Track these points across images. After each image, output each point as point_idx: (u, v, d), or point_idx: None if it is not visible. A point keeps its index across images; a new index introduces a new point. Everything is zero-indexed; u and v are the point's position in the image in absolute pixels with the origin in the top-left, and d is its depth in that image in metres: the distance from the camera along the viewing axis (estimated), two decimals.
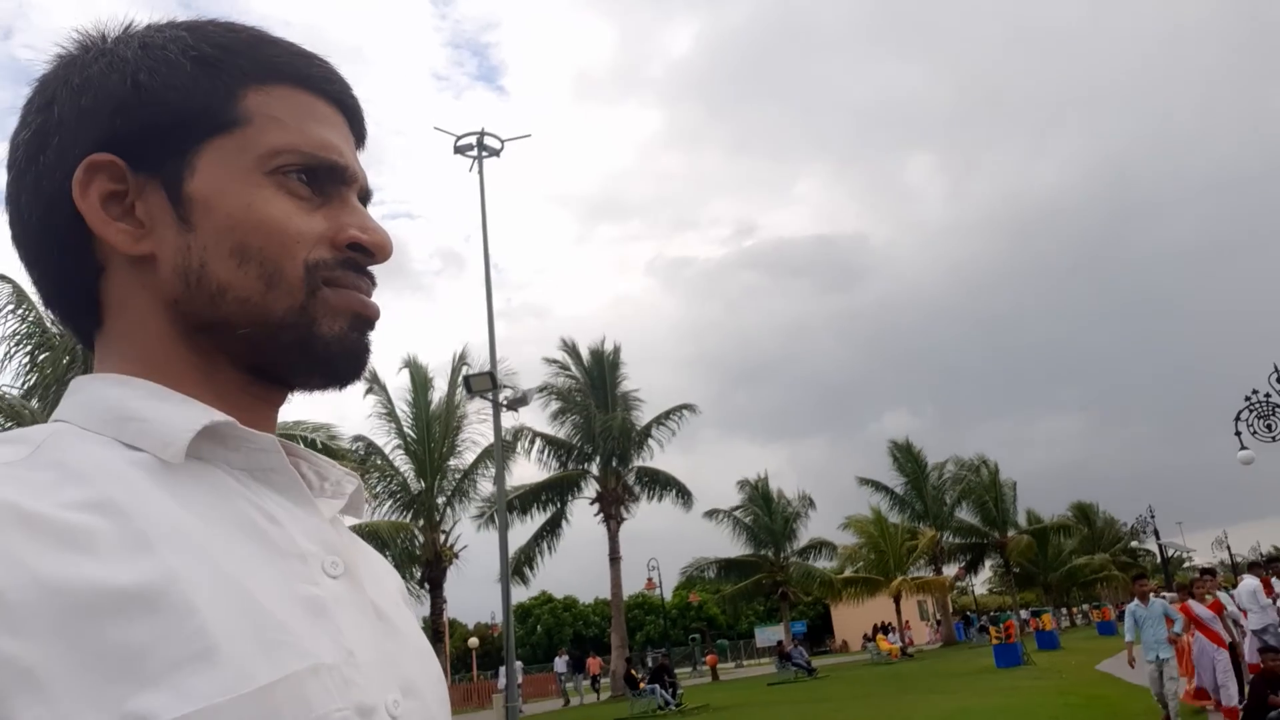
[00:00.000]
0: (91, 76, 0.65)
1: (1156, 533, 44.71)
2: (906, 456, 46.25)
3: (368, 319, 0.69)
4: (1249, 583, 13.00)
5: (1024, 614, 44.62)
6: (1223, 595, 13.28)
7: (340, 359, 0.68)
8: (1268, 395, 14.40)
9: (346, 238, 0.68)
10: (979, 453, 53.32)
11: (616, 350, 31.91)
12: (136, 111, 0.64)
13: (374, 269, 0.71)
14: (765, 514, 41.18)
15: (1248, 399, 14.66)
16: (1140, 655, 10.54)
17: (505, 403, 17.47)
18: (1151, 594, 10.85)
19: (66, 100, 0.65)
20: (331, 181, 0.68)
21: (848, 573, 44.32)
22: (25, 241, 0.68)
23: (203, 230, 0.64)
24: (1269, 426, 14.36)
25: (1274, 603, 12.90)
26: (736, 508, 41.48)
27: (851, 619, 56.30)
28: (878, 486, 45.75)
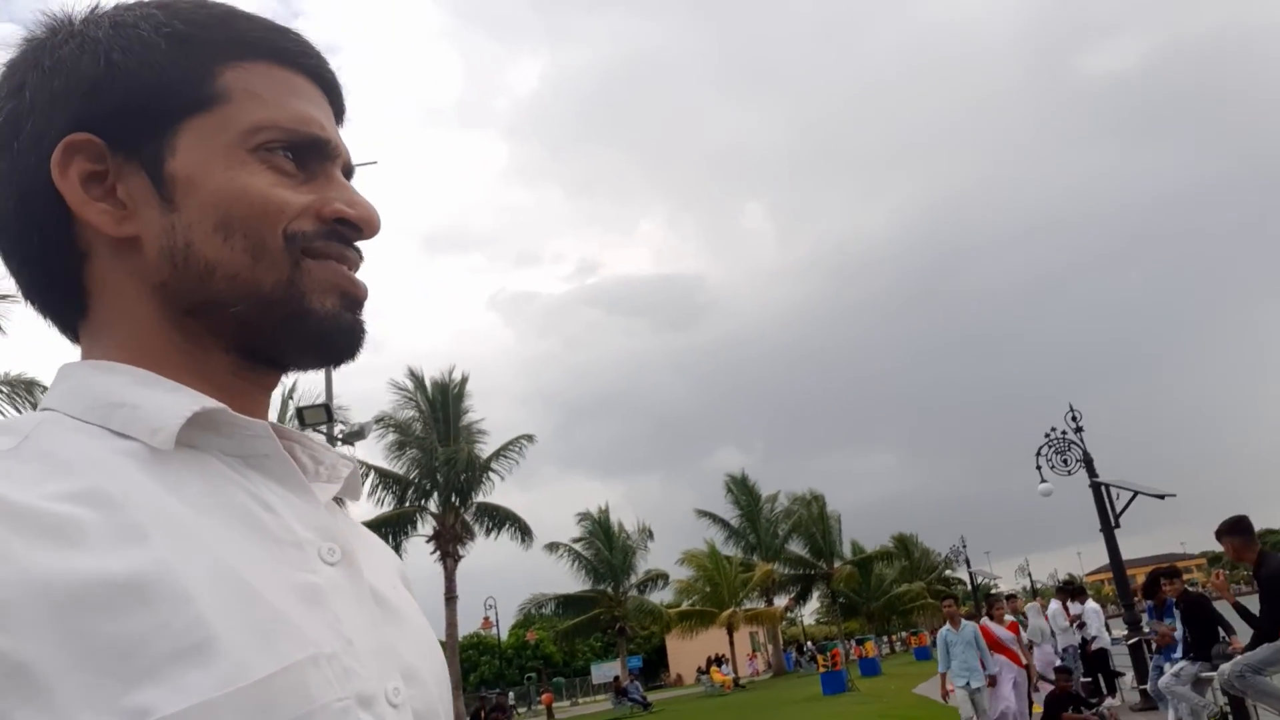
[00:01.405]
0: (63, 58, 0.64)
1: (968, 561, 47.66)
2: (741, 490, 47.53)
3: (356, 297, 0.68)
4: (1055, 606, 14.21)
5: (849, 642, 46.47)
6: (1036, 616, 14.38)
7: (335, 336, 0.67)
8: (1064, 432, 15.82)
9: (332, 211, 0.66)
10: (810, 487, 55.44)
11: (463, 381, 31.27)
12: (111, 91, 0.63)
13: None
14: (606, 547, 41.24)
15: (1047, 435, 16.02)
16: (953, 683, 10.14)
17: (341, 436, 16.84)
18: (963, 619, 10.56)
19: (38, 84, 0.63)
20: (315, 157, 0.67)
21: (684, 605, 44.92)
22: (3, 230, 0.65)
23: (187, 209, 0.63)
24: (1065, 461, 15.73)
25: (1071, 625, 14.07)
26: (578, 540, 41.37)
27: (686, 652, 56.92)
28: (714, 519, 46.76)
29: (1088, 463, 15.35)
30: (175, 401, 0.60)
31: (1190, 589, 8.90)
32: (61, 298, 0.66)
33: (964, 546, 49.41)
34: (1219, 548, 6.40)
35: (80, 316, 0.66)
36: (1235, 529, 6.22)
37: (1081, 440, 15.63)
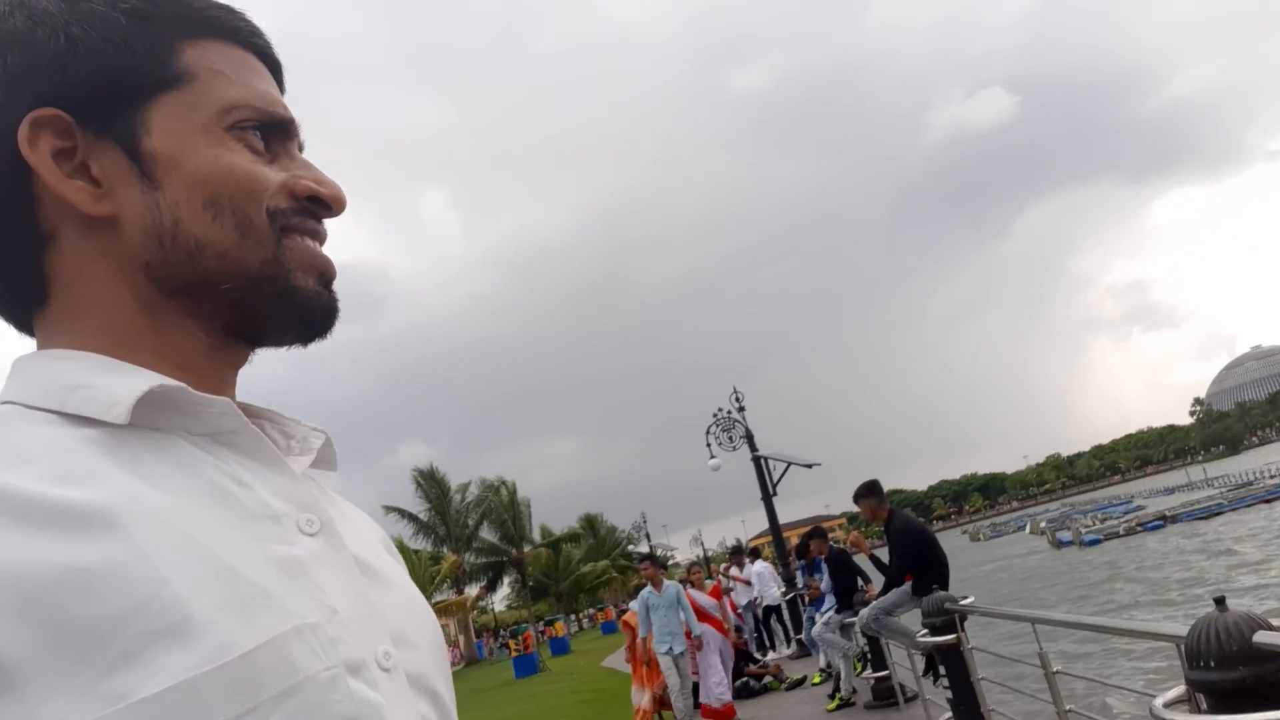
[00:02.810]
0: (12, 30, 0.61)
1: (648, 535, 50.64)
2: (430, 482, 46.79)
3: (330, 275, 0.68)
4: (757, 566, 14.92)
5: (539, 624, 47.46)
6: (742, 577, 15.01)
7: (317, 313, 0.67)
8: (729, 412, 17.29)
9: (303, 189, 0.66)
10: (499, 474, 55.88)
11: None
12: (74, 67, 0.60)
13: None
14: None
15: (715, 415, 17.45)
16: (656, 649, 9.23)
17: None
18: (664, 578, 9.45)
19: None
20: (278, 136, 0.67)
21: None
22: None
23: (171, 187, 0.62)
24: (730, 438, 17.22)
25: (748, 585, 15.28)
26: None
27: None
28: (403, 514, 45.62)
29: (749, 438, 16.87)
30: (132, 380, 0.58)
31: (834, 546, 10.05)
32: (18, 288, 0.64)
33: (644, 522, 52.37)
34: (857, 508, 7.30)
35: (38, 306, 0.64)
36: (870, 491, 7.13)
37: (744, 418, 17.16)
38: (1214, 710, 2.67)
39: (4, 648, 0.45)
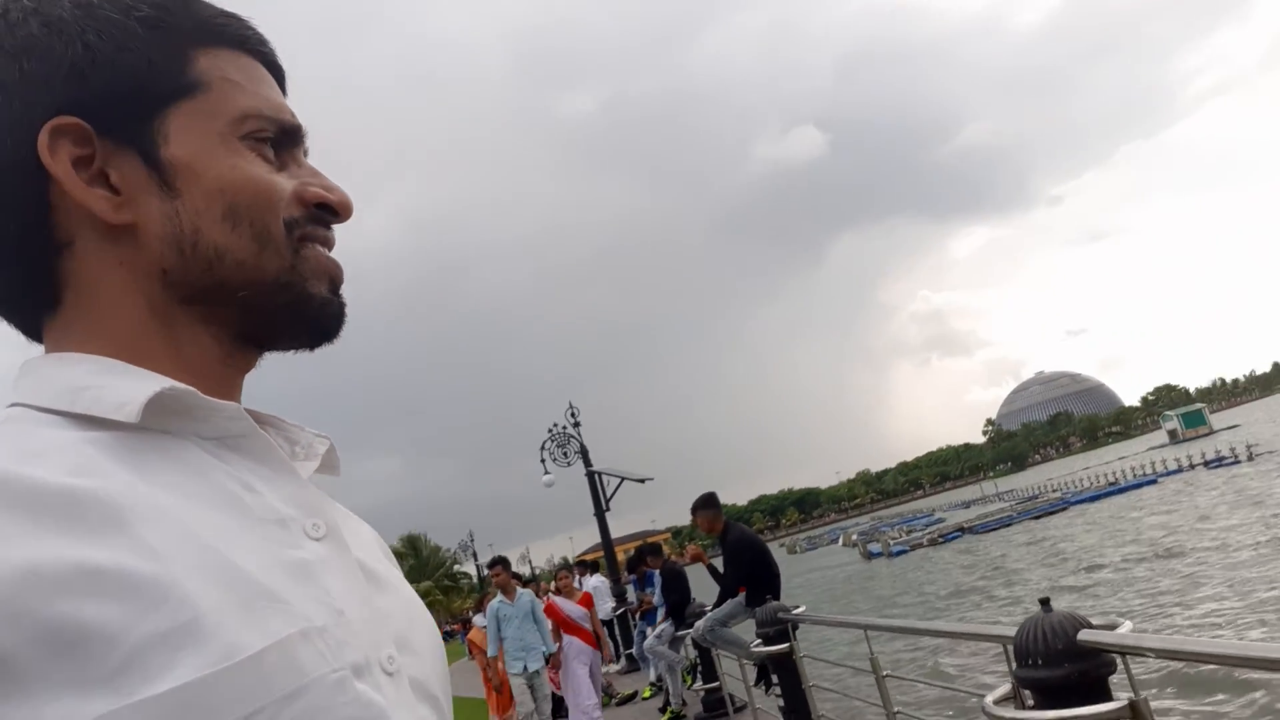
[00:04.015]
0: (29, 38, 0.61)
1: (475, 554, 49.64)
2: None
3: (340, 281, 0.69)
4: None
5: None
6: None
7: (329, 319, 0.68)
8: (564, 427, 17.22)
9: (314, 196, 0.67)
10: None
11: None
12: (93, 75, 0.61)
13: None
14: None
15: (550, 430, 17.33)
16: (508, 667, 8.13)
17: None
18: (518, 586, 8.42)
19: (3, 66, 0.61)
20: (286, 143, 0.68)
21: None
22: None
23: (190, 196, 0.62)
24: (565, 453, 17.15)
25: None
26: None
27: None
28: None
29: (584, 454, 16.86)
30: (142, 383, 0.59)
31: (668, 560, 10.16)
32: (29, 294, 0.64)
33: (471, 540, 51.36)
34: (683, 523, 7.43)
35: (49, 311, 0.64)
36: (707, 504, 7.23)
37: (579, 434, 17.14)
38: (1040, 706, 2.84)
39: (11, 647, 0.45)
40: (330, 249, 0.70)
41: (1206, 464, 43.21)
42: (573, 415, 17.26)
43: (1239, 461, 39.63)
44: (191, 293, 0.63)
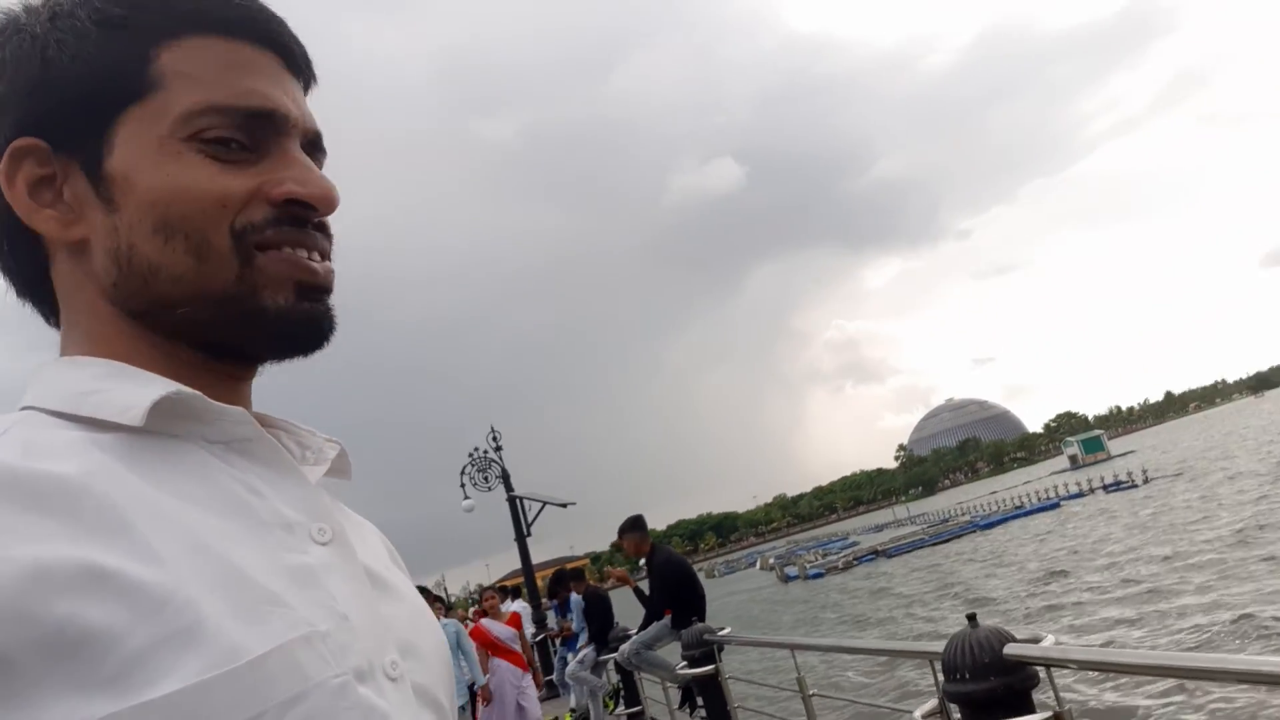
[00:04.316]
0: (6, 60, 0.61)
1: None
2: None
3: (315, 285, 0.64)
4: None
5: None
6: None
7: (296, 327, 0.63)
8: (485, 452, 17.00)
9: (281, 192, 0.62)
10: None
11: None
12: (46, 90, 0.60)
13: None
14: None
15: (470, 455, 17.09)
16: None
17: None
18: (441, 615, 8.08)
19: None
20: (265, 132, 0.63)
21: None
22: None
23: (126, 209, 0.60)
24: (486, 478, 16.92)
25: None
26: None
27: None
28: None
29: (505, 478, 16.68)
30: (148, 387, 0.58)
31: (590, 585, 10.10)
32: (39, 300, 0.66)
33: None
34: (602, 548, 7.37)
35: (54, 318, 0.66)
36: (634, 527, 7.22)
37: (501, 458, 16.96)
38: (967, 719, 2.91)
39: (19, 643, 0.45)
40: (311, 249, 0.64)
41: (1106, 488, 45.00)
42: (494, 439, 17.06)
43: (1136, 485, 41.37)
44: (135, 308, 0.61)
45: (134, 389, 0.58)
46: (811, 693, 4.64)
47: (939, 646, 3.05)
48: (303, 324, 0.64)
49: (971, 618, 3.01)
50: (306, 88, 0.69)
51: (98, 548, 0.49)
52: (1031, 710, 2.77)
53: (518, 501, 16.25)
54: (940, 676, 3.03)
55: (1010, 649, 2.75)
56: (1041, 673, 2.79)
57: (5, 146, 0.60)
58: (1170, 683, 8.54)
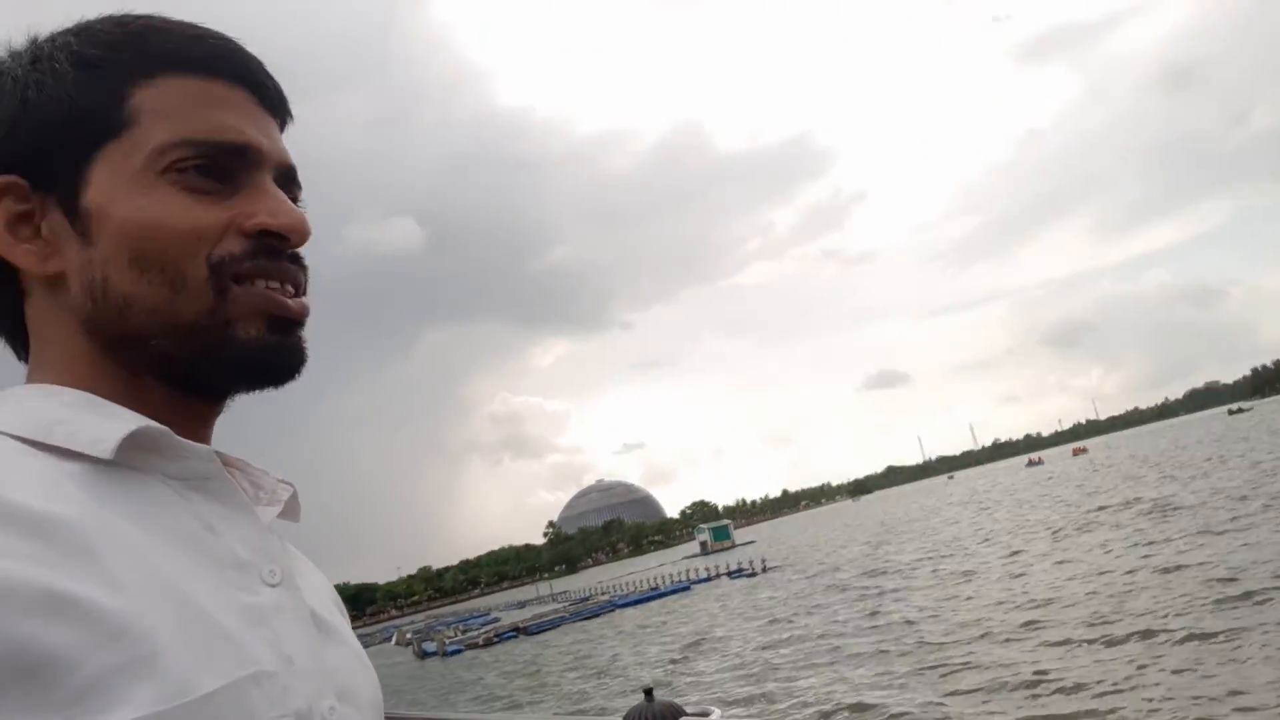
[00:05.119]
0: None
1: None
2: None
3: (287, 318, 0.65)
4: None
5: None
6: None
7: (262, 361, 0.65)
8: None
9: (254, 225, 0.64)
10: None
11: None
12: (25, 130, 0.63)
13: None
14: None
15: None
16: None
17: None
18: None
19: None
20: (239, 167, 0.64)
21: None
22: None
23: (101, 243, 0.62)
24: None
25: None
26: None
27: None
28: None
29: None
30: (117, 420, 0.59)
31: None
32: (12, 336, 0.68)
33: None
34: None
35: (26, 350, 0.67)
36: None
37: None
38: None
39: None
40: (285, 280, 0.66)
41: (729, 574, 49.03)
42: None
43: (755, 574, 45.56)
44: (111, 339, 0.63)
45: (103, 421, 0.59)
46: None
47: (617, 719, 3.33)
48: (270, 356, 0.65)
49: (649, 691, 3.34)
50: (283, 125, 0.71)
51: (63, 573, 0.49)
52: None
53: None
54: None
55: None
56: None
57: None
58: None
